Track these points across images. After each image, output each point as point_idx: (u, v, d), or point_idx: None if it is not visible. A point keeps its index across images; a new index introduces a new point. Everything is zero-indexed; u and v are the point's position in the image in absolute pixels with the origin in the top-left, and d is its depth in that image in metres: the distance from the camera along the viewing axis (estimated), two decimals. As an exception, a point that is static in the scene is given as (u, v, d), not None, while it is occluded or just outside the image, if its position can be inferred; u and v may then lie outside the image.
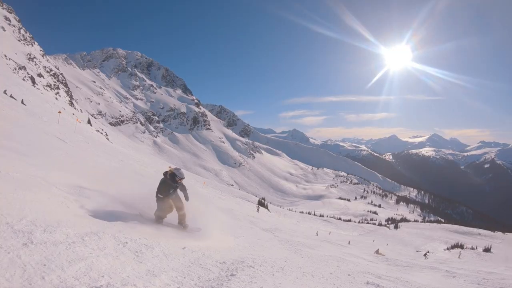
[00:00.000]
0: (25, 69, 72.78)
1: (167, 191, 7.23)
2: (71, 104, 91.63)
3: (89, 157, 17.76)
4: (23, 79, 65.78)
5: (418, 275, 9.92)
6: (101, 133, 59.13)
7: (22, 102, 30.91)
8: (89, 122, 57.08)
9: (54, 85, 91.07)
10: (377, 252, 17.27)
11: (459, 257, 30.13)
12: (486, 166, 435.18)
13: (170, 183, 7.27)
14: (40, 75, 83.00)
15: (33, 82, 72.09)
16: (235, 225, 14.59)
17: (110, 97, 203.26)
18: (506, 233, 57.31)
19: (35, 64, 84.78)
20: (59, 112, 30.18)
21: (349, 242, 29.26)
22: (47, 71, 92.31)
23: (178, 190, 7.67)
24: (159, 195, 7.25)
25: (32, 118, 22.94)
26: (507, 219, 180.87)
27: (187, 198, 7.71)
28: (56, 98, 78.32)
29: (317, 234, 31.17)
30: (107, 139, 55.51)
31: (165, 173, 7.37)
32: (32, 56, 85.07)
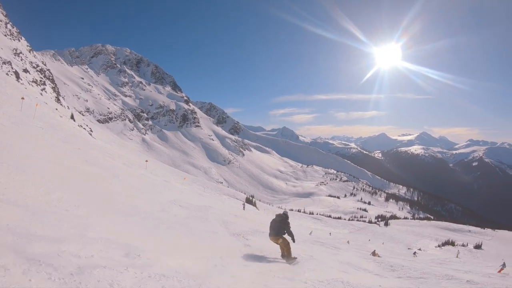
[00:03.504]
0: (10, 64, 70.43)
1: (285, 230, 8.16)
2: (58, 100, 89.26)
3: (16, 140, 15.47)
4: (7, 74, 63.62)
5: None
6: (84, 128, 57.45)
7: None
8: (72, 117, 55.27)
9: (40, 81, 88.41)
10: (373, 253, 16.45)
11: (457, 257, 29.46)
12: (474, 164, 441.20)
13: (288, 222, 8.26)
14: (25, 70, 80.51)
15: (17, 77, 69.80)
16: (179, 228, 9.97)
17: (99, 94, 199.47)
18: (496, 230, 57.40)
19: (21, 60, 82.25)
20: (22, 98, 28.39)
21: (348, 242, 28.45)
22: (34, 67, 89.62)
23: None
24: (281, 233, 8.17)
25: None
26: (495, 217, 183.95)
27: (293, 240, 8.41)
28: (41, 94, 75.90)
29: (310, 234, 30.41)
30: (91, 134, 53.96)
31: (279, 215, 8.33)
32: (18, 51, 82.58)
